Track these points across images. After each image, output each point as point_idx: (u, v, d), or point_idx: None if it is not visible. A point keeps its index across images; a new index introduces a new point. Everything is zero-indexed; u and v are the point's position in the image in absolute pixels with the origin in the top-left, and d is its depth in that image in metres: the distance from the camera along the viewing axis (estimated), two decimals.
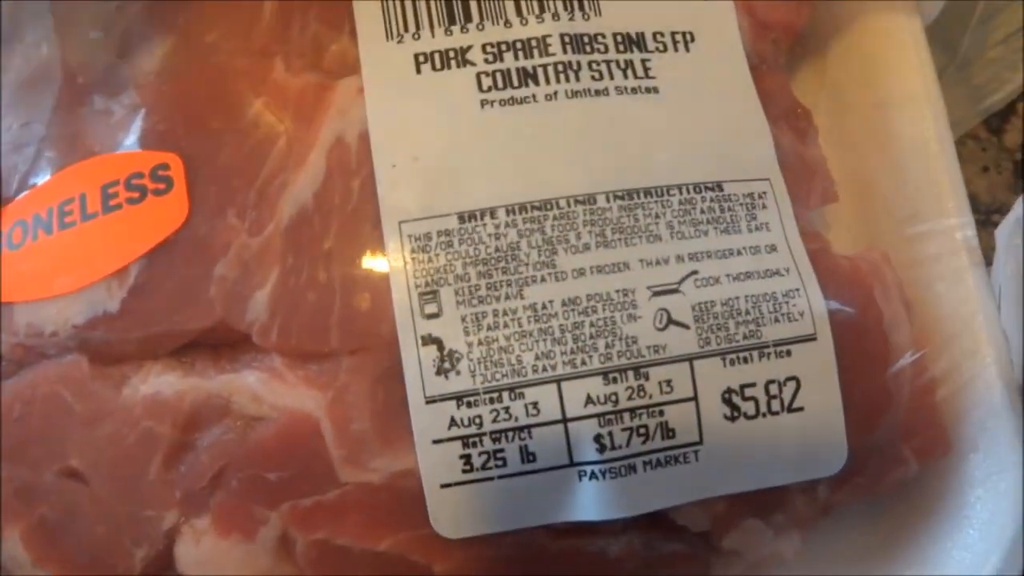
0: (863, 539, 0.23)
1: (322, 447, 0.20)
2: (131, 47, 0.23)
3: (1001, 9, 0.29)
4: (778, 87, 0.25)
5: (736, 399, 0.21)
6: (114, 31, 0.23)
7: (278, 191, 0.21)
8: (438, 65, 0.22)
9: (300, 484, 0.20)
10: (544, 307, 0.20)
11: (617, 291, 0.21)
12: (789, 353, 0.21)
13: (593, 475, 0.20)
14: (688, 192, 0.22)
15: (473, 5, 0.23)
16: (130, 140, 0.22)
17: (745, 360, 0.21)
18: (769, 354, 0.21)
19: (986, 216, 0.24)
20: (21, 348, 0.22)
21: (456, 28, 0.22)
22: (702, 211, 0.22)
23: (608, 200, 0.21)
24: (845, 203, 0.26)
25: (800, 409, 0.21)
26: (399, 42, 0.22)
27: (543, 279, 0.21)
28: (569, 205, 0.21)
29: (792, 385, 0.21)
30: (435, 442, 0.20)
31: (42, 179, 0.23)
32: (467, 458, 0.20)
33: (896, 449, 0.22)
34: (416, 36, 0.22)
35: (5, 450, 0.21)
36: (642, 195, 0.21)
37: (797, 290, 0.21)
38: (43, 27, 0.24)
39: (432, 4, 0.23)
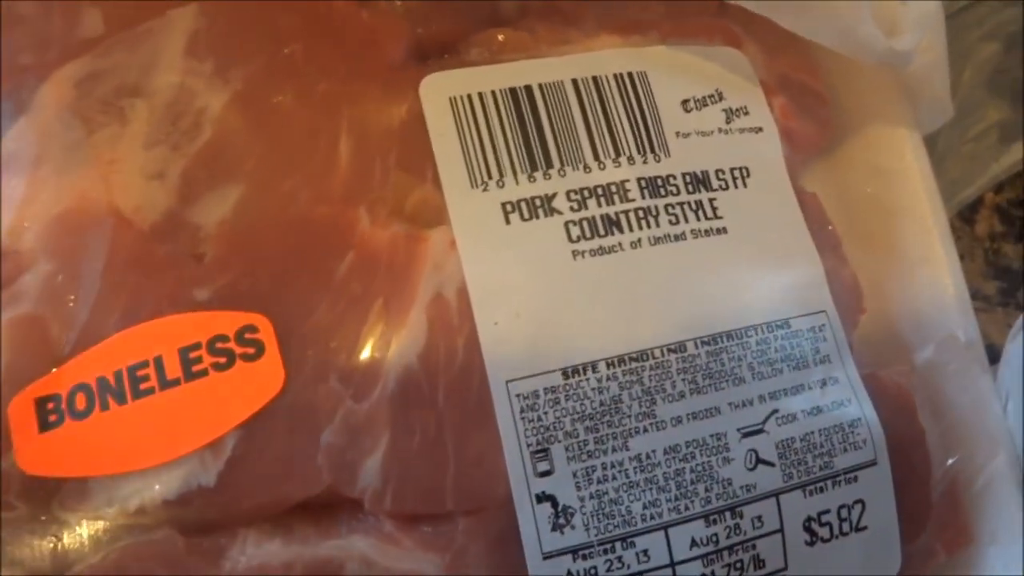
0: None
1: None
2: (195, 192, 0.22)
3: (971, 111, 0.33)
4: (813, 205, 0.27)
5: (814, 526, 0.23)
6: (171, 173, 0.22)
7: (380, 353, 0.21)
8: (526, 215, 0.22)
9: None
10: (648, 456, 0.21)
11: (711, 435, 0.22)
12: (856, 479, 0.23)
13: None
14: (763, 332, 0.23)
15: (552, 150, 0.23)
16: (206, 297, 0.21)
17: (821, 490, 0.23)
18: (840, 481, 0.23)
19: None
20: (102, 525, 0.21)
21: (539, 174, 0.23)
22: (776, 350, 0.23)
23: (696, 347, 0.22)
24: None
25: (865, 528, 0.23)
26: (484, 190, 0.22)
27: (645, 429, 0.22)
28: (663, 354, 0.22)
29: (859, 507, 0.23)
30: None
31: (100, 339, 0.21)
32: None
33: (930, 544, 0.25)
34: (500, 183, 0.22)
35: None
36: (725, 339, 0.23)
37: (859, 419, 0.23)
38: (76, 158, 0.22)
39: (513, 149, 0.23)
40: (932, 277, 0.28)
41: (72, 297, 0.21)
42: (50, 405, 0.21)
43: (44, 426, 0.21)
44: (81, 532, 0.21)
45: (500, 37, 0.25)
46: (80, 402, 0.21)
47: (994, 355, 0.28)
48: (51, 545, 0.21)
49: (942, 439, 0.25)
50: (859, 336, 0.27)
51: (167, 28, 0.23)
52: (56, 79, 0.22)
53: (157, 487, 0.20)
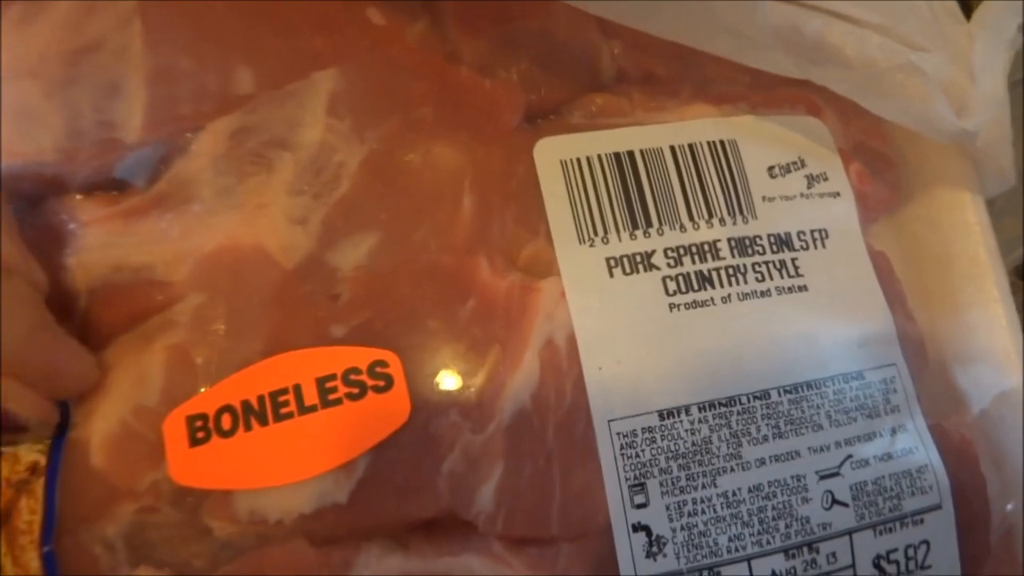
0: None
1: None
2: (333, 237, 0.24)
3: None
4: (883, 264, 0.29)
5: (883, 563, 0.25)
6: (313, 219, 0.24)
7: (496, 391, 0.23)
8: (628, 270, 0.25)
9: None
10: (734, 494, 0.24)
11: (792, 477, 0.24)
12: (922, 521, 0.25)
13: None
14: (839, 383, 0.25)
15: (652, 211, 0.25)
16: (342, 334, 0.24)
17: (890, 530, 0.25)
18: (908, 523, 0.25)
19: None
20: (242, 534, 0.23)
21: (639, 232, 0.25)
22: (851, 399, 0.25)
23: (779, 394, 0.24)
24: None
25: (929, 567, 0.25)
26: (591, 246, 0.25)
27: (732, 469, 0.24)
28: (749, 401, 0.24)
29: (924, 548, 0.25)
30: None
31: (244, 366, 0.24)
32: None
33: None
34: (605, 240, 0.25)
35: None
36: (805, 388, 0.25)
37: (926, 466, 0.25)
38: (227, 202, 0.25)
39: (616, 209, 0.25)
40: (991, 333, 0.29)
41: (220, 327, 0.24)
42: (199, 423, 0.23)
43: (193, 442, 0.23)
44: (223, 539, 0.23)
45: (599, 101, 0.27)
46: (226, 422, 0.23)
47: None
48: (196, 549, 0.23)
49: (1001, 487, 0.27)
50: (921, 388, 0.29)
51: (311, 89, 0.25)
52: (212, 130, 0.25)
53: (294, 502, 0.23)
